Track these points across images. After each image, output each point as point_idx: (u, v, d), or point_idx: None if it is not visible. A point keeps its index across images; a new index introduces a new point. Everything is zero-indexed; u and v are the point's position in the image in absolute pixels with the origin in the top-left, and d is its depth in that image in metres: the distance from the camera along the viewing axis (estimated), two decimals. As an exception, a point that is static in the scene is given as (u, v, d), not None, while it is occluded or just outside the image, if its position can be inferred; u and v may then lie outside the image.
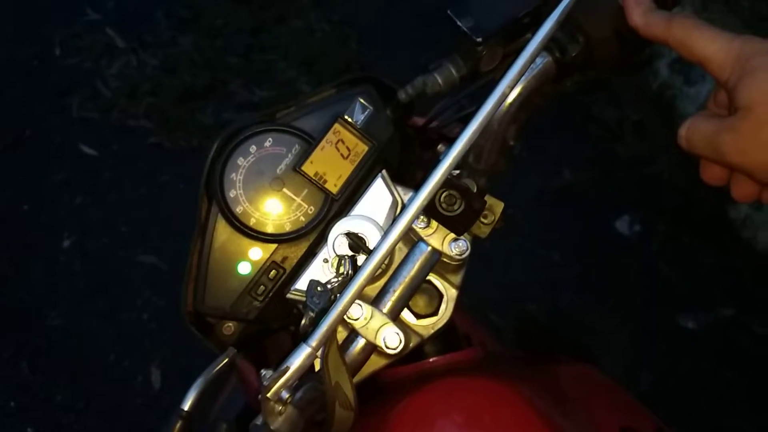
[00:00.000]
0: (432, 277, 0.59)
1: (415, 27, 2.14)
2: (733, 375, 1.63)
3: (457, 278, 0.60)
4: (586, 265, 1.80)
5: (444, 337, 0.62)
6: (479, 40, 0.49)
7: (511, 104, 0.49)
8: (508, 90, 0.44)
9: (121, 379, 1.60)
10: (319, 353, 0.49)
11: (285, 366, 0.45)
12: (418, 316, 0.58)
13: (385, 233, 0.49)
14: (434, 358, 0.63)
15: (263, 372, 0.46)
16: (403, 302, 0.55)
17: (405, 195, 0.59)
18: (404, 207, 0.49)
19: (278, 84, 2.09)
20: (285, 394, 0.45)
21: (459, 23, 0.50)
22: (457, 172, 0.57)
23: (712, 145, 0.47)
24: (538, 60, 0.48)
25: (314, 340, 0.46)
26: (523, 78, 0.48)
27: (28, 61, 2.13)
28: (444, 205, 0.52)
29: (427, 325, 0.58)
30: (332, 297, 0.51)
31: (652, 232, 1.84)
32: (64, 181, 1.89)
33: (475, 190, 0.53)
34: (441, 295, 0.59)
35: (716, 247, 1.80)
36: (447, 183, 0.50)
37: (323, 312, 0.50)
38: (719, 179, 0.51)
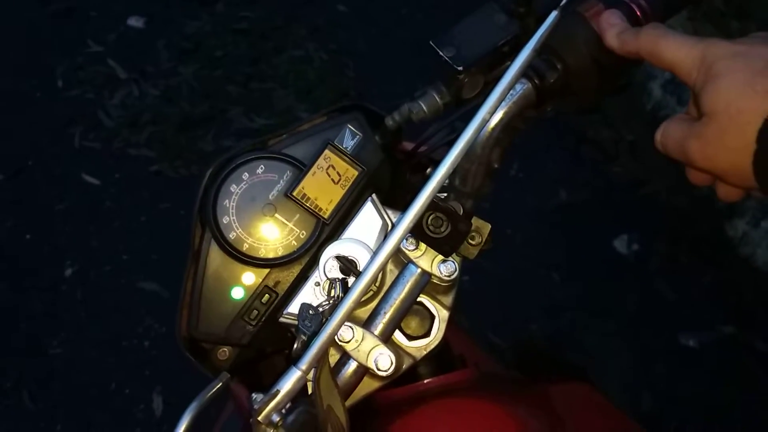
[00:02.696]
0: (423, 299, 0.60)
1: (409, 56, 2.17)
2: (735, 393, 1.62)
3: (448, 299, 0.61)
4: (585, 285, 1.80)
5: (437, 358, 0.63)
6: (460, 68, 0.51)
7: (493, 129, 0.51)
8: (488, 116, 0.45)
9: (123, 408, 1.60)
10: (310, 376, 0.50)
11: (275, 389, 0.46)
12: (411, 338, 0.59)
13: (373, 255, 0.50)
14: (428, 380, 0.64)
15: (254, 395, 0.46)
16: (395, 324, 0.56)
17: (395, 218, 0.60)
18: (391, 229, 0.50)
19: (277, 112, 2.12)
20: (276, 418, 0.45)
21: (441, 53, 0.51)
22: (444, 195, 0.58)
23: (681, 150, 0.47)
24: (518, 86, 0.49)
25: (304, 363, 0.46)
26: (503, 104, 0.49)
27: (32, 92, 2.17)
28: (431, 227, 0.53)
29: (420, 347, 0.59)
30: (323, 320, 0.52)
31: (650, 252, 1.84)
32: (67, 210, 1.91)
33: (461, 212, 0.54)
34: (433, 317, 0.60)
35: (715, 265, 1.80)
36: (433, 206, 0.52)
37: (315, 335, 0.51)
38: (703, 180, 0.51)
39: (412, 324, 0.60)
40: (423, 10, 2.38)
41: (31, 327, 1.71)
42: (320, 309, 0.53)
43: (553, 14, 0.44)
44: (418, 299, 0.59)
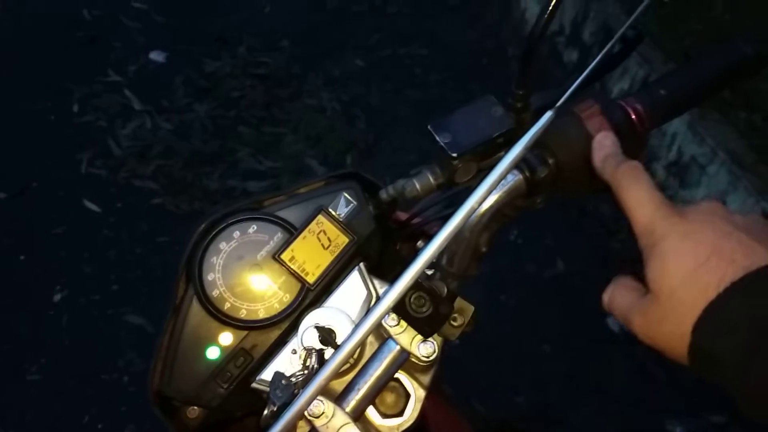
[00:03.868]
0: (401, 375, 0.59)
1: (418, 113, 2.22)
2: (721, 488, 1.58)
3: (426, 378, 0.60)
4: (575, 360, 1.78)
5: (411, 437, 0.62)
6: (454, 155, 0.52)
7: (483, 215, 0.51)
8: (477, 204, 0.46)
9: (93, 443, 1.56)
10: (277, 447, 0.49)
11: (236, 463, 0.45)
12: (384, 416, 0.58)
13: (352, 331, 0.50)
14: (399, 460, 0.62)
15: (214, 466, 0.45)
16: (368, 401, 0.55)
17: (381, 288, 0.60)
18: (373, 305, 0.50)
19: (285, 156, 2.15)
20: (234, 491, 0.44)
21: (437, 138, 0.52)
22: (432, 271, 0.58)
23: (624, 320, 0.48)
24: (510, 177, 0.50)
25: (269, 438, 0.45)
26: (494, 192, 0.50)
27: (46, 114, 2.21)
28: (413, 305, 0.53)
29: (392, 426, 0.58)
30: (295, 391, 0.51)
31: (643, 331, 1.83)
32: (64, 234, 1.92)
33: (445, 293, 0.54)
34: (408, 395, 0.59)
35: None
36: (416, 285, 0.51)
37: (285, 406, 0.50)
38: None
39: (388, 400, 0.58)
40: (436, 71, 2.44)
41: (12, 349, 1.69)
42: (293, 380, 0.52)
43: (548, 114, 0.45)
44: (396, 375, 0.58)
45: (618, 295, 0.49)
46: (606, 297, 0.50)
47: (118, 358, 1.68)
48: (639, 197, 0.47)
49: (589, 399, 1.71)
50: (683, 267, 0.43)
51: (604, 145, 0.50)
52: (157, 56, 2.42)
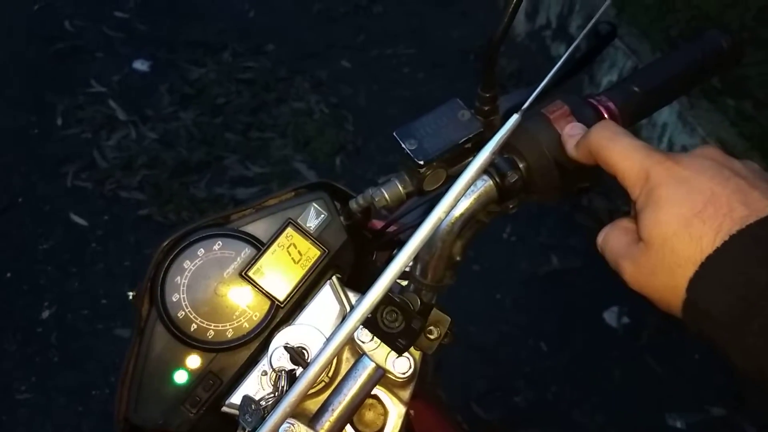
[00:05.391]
0: (379, 391, 0.57)
1: (407, 112, 2.19)
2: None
3: (405, 393, 0.58)
4: (573, 356, 1.76)
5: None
6: (421, 162, 0.50)
7: (454, 223, 0.49)
8: (444, 213, 0.43)
9: (85, 460, 1.54)
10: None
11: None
12: (363, 434, 0.56)
13: (320, 349, 0.48)
14: (381, 477, 0.60)
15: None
16: (344, 422, 0.53)
17: (355, 301, 0.58)
18: (342, 320, 0.48)
19: (273, 161, 2.12)
20: None
21: (403, 146, 0.50)
22: (405, 283, 0.56)
23: (615, 265, 0.46)
24: (479, 183, 0.48)
25: (235, 467, 0.43)
26: (463, 199, 0.48)
27: (29, 128, 2.18)
28: (385, 321, 0.51)
29: (371, 445, 0.56)
30: (265, 415, 0.49)
31: (641, 325, 1.80)
32: (51, 249, 1.89)
33: (419, 306, 0.52)
34: (387, 412, 0.57)
35: (707, 343, 1.76)
36: (387, 300, 0.49)
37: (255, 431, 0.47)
38: None
39: (366, 418, 0.56)
40: (424, 70, 2.42)
41: (1, 368, 1.67)
42: (263, 403, 0.50)
43: (515, 117, 0.43)
44: (374, 392, 0.56)
45: (613, 237, 0.46)
46: (600, 237, 0.47)
47: (108, 373, 1.65)
48: (624, 148, 0.45)
49: (589, 396, 1.68)
50: (677, 215, 0.41)
51: (572, 134, 0.47)
52: (140, 65, 2.39)
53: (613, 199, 2.05)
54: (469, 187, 0.44)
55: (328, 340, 0.48)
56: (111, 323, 1.73)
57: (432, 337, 0.54)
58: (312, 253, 0.59)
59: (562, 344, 1.77)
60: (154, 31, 2.50)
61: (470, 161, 0.45)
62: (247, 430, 0.49)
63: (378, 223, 0.68)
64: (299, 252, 0.59)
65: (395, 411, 0.56)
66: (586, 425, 1.64)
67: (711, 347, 0.41)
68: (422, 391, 0.61)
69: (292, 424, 0.50)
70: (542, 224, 2.01)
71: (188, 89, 2.32)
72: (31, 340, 1.71)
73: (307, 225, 0.59)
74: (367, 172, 2.11)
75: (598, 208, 2.04)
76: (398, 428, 0.57)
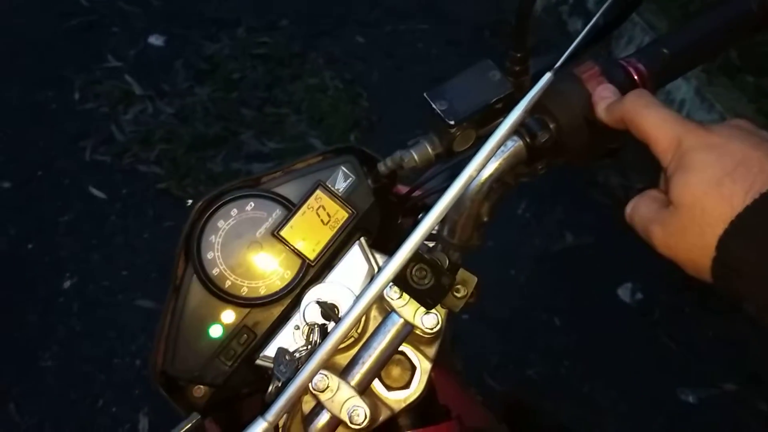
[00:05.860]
0: (406, 348, 0.58)
1: (422, 89, 2.18)
2: (734, 454, 1.58)
3: (431, 350, 0.59)
4: (586, 332, 1.77)
5: (419, 408, 0.61)
6: (452, 122, 0.51)
7: (483, 183, 0.50)
8: (476, 172, 0.45)
9: (108, 427, 1.58)
10: (282, 422, 0.49)
11: (240, 439, 0.44)
12: (390, 389, 0.58)
13: (353, 304, 0.49)
14: (407, 432, 0.62)
15: (219, 443, 0.45)
16: (373, 374, 0.55)
17: (382, 262, 0.59)
18: (374, 277, 0.49)
19: (288, 137, 2.13)
20: (239, 467, 0.44)
21: (434, 105, 0.51)
22: (433, 243, 0.57)
23: (645, 231, 0.46)
24: (509, 143, 0.49)
25: (272, 415, 0.45)
26: (493, 159, 0.49)
27: (47, 104, 2.20)
28: (415, 278, 0.52)
29: (399, 399, 0.57)
30: (298, 367, 0.50)
31: (654, 302, 1.82)
32: (71, 222, 1.92)
33: (447, 264, 0.53)
34: (414, 368, 0.58)
35: (719, 319, 1.77)
36: (417, 257, 0.51)
37: (288, 382, 0.49)
38: None
39: (393, 373, 0.58)
40: (438, 46, 2.41)
41: (24, 337, 1.71)
42: (296, 355, 0.52)
43: (547, 75, 0.43)
44: (401, 349, 0.58)
45: (642, 205, 0.47)
46: (629, 208, 0.48)
47: (130, 343, 1.69)
48: (658, 117, 0.45)
49: (601, 370, 1.70)
50: (708, 176, 0.41)
51: (604, 96, 0.48)
52: (155, 40, 2.40)
53: (628, 175, 2.05)
54: (501, 146, 0.45)
55: (361, 294, 0.50)
56: (132, 294, 1.76)
57: (459, 295, 0.55)
58: (340, 215, 0.60)
59: (575, 319, 1.79)
60: (169, 6, 2.50)
61: (501, 121, 0.46)
62: (281, 380, 0.51)
63: (403, 189, 0.69)
64: (328, 214, 0.60)
65: (421, 367, 0.58)
66: (598, 399, 1.66)
67: (740, 305, 0.42)
68: (442, 359, 0.63)
69: (326, 375, 0.52)
70: (557, 201, 2.01)
71: (203, 64, 2.32)
72: (54, 309, 1.75)
73: (336, 187, 0.60)
74: (382, 148, 2.11)
75: (612, 185, 2.04)
76: (424, 384, 0.58)
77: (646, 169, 2.05)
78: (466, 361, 1.63)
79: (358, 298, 0.48)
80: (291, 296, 0.58)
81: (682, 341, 1.74)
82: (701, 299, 1.80)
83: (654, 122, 0.45)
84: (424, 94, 0.52)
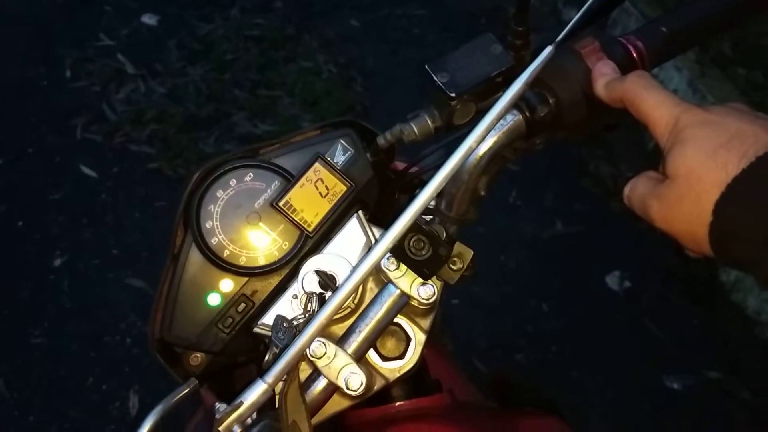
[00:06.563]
0: (401, 320, 0.59)
1: (416, 74, 2.19)
2: (716, 440, 1.61)
3: (426, 322, 0.60)
4: (574, 318, 1.79)
5: (412, 380, 0.62)
6: (452, 95, 0.51)
7: (481, 157, 0.51)
8: (475, 144, 0.45)
9: (98, 403, 1.58)
10: (278, 389, 0.49)
11: (239, 401, 0.45)
12: (385, 359, 0.59)
13: (350, 273, 0.50)
14: (399, 403, 0.63)
15: (217, 405, 0.46)
16: (369, 343, 0.56)
17: (379, 236, 0.60)
18: (371, 247, 0.50)
19: (281, 120, 2.12)
20: (237, 429, 0.45)
21: (435, 78, 0.52)
22: (430, 218, 0.58)
23: (643, 208, 0.47)
24: (509, 117, 0.49)
25: (271, 377, 0.46)
26: (492, 133, 0.49)
27: (38, 81, 2.18)
28: (412, 249, 0.53)
29: (393, 369, 0.58)
30: (296, 333, 0.51)
31: (642, 290, 1.84)
32: (61, 200, 1.91)
33: (444, 237, 0.54)
34: (409, 339, 0.59)
35: (705, 309, 1.80)
36: (415, 227, 0.51)
37: (286, 348, 0.50)
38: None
39: (388, 344, 0.59)
40: (434, 32, 2.40)
41: (14, 314, 1.70)
42: (295, 322, 0.52)
43: (548, 49, 0.44)
44: (396, 320, 0.58)
45: (639, 183, 0.48)
46: (627, 188, 0.49)
47: (120, 321, 1.69)
48: (657, 99, 0.46)
49: (588, 357, 1.73)
50: (704, 147, 0.42)
51: (604, 72, 0.49)
52: (149, 19, 2.38)
53: (618, 164, 2.06)
54: (500, 119, 0.46)
55: (359, 263, 0.50)
56: (122, 273, 1.76)
57: (455, 267, 0.56)
58: (338, 188, 0.60)
59: (563, 306, 1.81)
60: (163, -15, 2.48)
61: (501, 95, 0.47)
62: (278, 347, 0.52)
63: (400, 165, 0.69)
64: (326, 186, 0.60)
65: (416, 338, 0.59)
66: (585, 384, 1.68)
67: (738, 269, 0.43)
68: (433, 336, 0.63)
69: (323, 343, 0.53)
70: (547, 189, 2.02)
71: (196, 45, 2.31)
72: (44, 287, 1.74)
73: (335, 160, 0.61)
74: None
75: (603, 174, 2.06)
76: (418, 355, 0.59)
77: (636, 159, 2.07)
78: (455, 344, 1.65)
79: (356, 265, 0.49)
80: (289, 266, 0.58)
81: (668, 329, 1.77)
82: (687, 288, 1.82)
83: (653, 104, 0.46)
84: (426, 66, 0.52)
